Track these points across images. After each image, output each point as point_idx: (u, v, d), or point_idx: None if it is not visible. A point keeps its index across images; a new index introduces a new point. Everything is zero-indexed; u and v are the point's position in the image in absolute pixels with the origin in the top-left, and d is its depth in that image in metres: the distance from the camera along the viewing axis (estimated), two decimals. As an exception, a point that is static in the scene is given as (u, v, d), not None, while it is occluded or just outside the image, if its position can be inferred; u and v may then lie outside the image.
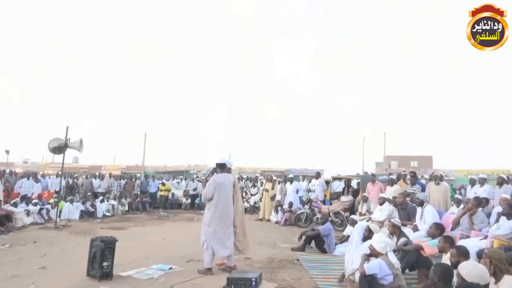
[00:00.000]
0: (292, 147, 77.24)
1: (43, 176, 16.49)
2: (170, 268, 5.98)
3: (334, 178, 15.30)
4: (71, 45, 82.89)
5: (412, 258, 5.30)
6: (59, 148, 11.30)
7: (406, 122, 78.11)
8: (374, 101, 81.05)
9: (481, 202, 6.96)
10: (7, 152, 40.57)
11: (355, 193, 12.61)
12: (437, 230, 5.56)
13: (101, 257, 5.32)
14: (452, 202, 8.74)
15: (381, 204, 8.60)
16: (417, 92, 78.65)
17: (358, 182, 13.17)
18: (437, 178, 9.37)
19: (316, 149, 73.43)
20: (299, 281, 5.46)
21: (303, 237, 8.18)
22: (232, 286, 4.56)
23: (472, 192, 8.76)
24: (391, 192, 9.45)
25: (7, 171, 17.09)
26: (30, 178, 14.21)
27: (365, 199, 10.37)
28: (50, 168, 32.82)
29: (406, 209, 7.93)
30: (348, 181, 14.06)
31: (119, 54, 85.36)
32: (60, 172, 13.88)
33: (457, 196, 8.89)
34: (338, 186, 14.33)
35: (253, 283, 4.55)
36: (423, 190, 9.33)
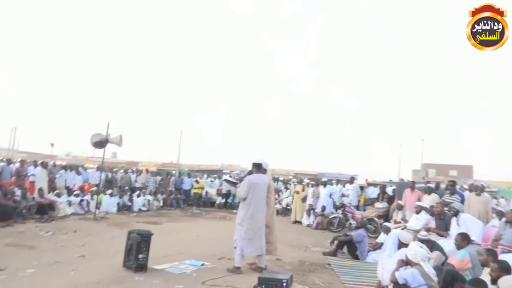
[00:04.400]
0: (326, 150, 76.46)
1: (84, 169, 17.16)
2: (202, 265, 6.08)
3: (369, 184, 15.03)
4: (114, 43, 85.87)
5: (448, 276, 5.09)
6: (100, 143, 11.74)
7: (446, 129, 75.52)
8: (412, 107, 78.83)
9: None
10: (52, 145, 42.65)
11: (390, 200, 12.33)
12: (464, 240, 5.35)
13: (137, 250, 5.49)
14: (494, 215, 8.40)
15: (417, 212, 8.38)
16: (456, 98, 75.79)
17: (394, 189, 12.88)
18: (478, 189, 9.00)
19: (351, 154, 72.06)
20: (330, 286, 5.43)
21: (335, 242, 8.10)
22: (263, 286, 4.57)
23: (515, 205, 8.38)
24: (428, 201, 9.17)
25: (51, 163, 17.95)
26: (73, 170, 14.85)
27: (400, 207, 10.12)
28: (90, 162, 34.07)
29: (444, 219, 7.68)
30: (383, 187, 13.77)
31: (156, 53, 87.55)
32: (100, 166, 14.44)
33: (499, 208, 8.52)
34: (373, 192, 14.07)
35: (284, 284, 4.54)
36: (462, 200, 9.01)
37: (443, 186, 11.21)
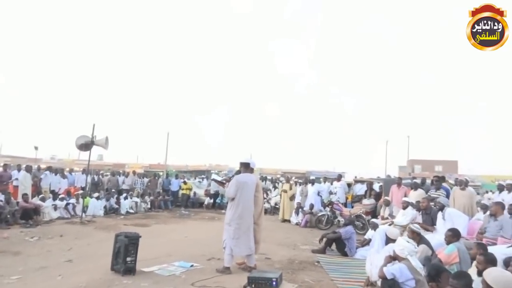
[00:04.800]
0: (313, 148, 76.64)
1: (70, 172, 16.92)
2: (192, 266, 6.06)
3: (356, 181, 15.14)
4: (97, 44, 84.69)
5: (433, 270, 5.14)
6: (86, 145, 11.59)
7: (431, 126, 76.49)
8: (397, 103, 79.67)
9: (504, 207, 6.81)
10: (36, 148, 41.94)
11: (377, 196, 12.46)
12: (454, 237, 5.42)
13: (125, 252, 5.44)
14: (478, 208, 8.56)
15: (404, 208, 8.48)
16: (440, 94, 76.92)
17: (381, 186, 13.01)
18: (462, 183, 9.15)
19: (338, 152, 72.39)
20: (319, 283, 5.45)
21: (324, 239, 8.14)
22: (253, 286, 4.59)
23: (500, 198, 8.54)
24: (414, 196, 9.30)
25: (36, 166, 17.65)
26: (58, 173, 14.63)
27: (387, 203, 10.23)
28: (76, 165, 33.62)
29: (430, 214, 7.79)
30: (370, 184, 13.89)
31: (142, 53, 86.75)
32: (86, 169, 14.26)
33: (483, 201, 8.68)
34: (360, 189, 14.18)
35: (274, 283, 4.56)
36: (448, 195, 9.15)
37: (428, 181, 11.37)
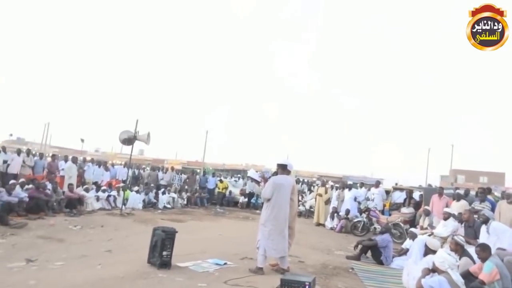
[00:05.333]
0: (351, 153, 75.47)
1: (112, 165, 17.56)
2: (225, 264, 6.11)
3: (395, 189, 14.73)
4: (142, 43, 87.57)
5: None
6: (129, 140, 11.98)
7: (476, 135, 73.20)
8: (441, 112, 76.77)
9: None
10: (82, 140, 43.91)
11: (417, 205, 12.05)
12: (484, 252, 5.16)
13: (162, 246, 5.57)
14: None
15: (445, 219, 8.16)
16: (483, 104, 73.36)
17: (421, 195, 12.59)
18: (510, 196, 8.68)
19: (377, 157, 71.02)
20: (353, 290, 5.35)
21: (359, 246, 7.98)
22: (286, 288, 4.57)
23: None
24: (457, 207, 8.92)
25: (81, 158, 18.47)
26: (101, 166, 15.25)
27: (427, 213, 9.87)
28: (118, 158, 34.94)
29: (473, 226, 7.45)
30: (410, 192, 13.47)
31: (182, 54, 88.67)
32: (127, 162, 14.76)
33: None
34: (399, 197, 13.78)
35: (307, 287, 4.52)
36: (493, 208, 8.71)
37: (473, 193, 10.88)
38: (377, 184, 14.42)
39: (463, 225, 7.68)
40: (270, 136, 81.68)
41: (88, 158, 22.50)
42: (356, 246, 8.10)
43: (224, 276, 5.37)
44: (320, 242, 9.49)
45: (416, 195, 13.17)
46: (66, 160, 13.85)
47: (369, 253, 7.89)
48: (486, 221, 7.13)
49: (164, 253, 5.57)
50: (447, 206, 9.34)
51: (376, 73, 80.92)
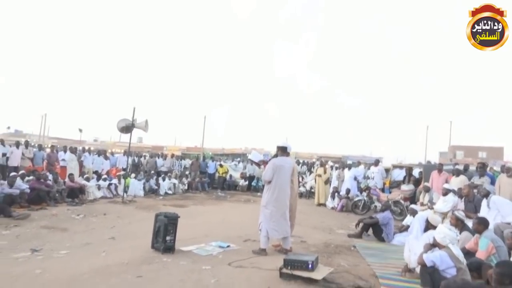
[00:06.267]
0: (350, 132, 75.42)
1: (112, 153, 17.57)
2: (228, 246, 6.17)
3: (395, 166, 14.81)
4: (140, 33, 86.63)
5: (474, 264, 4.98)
6: (127, 128, 11.95)
7: (474, 111, 73.14)
8: (440, 88, 76.52)
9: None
10: (80, 130, 43.81)
11: (417, 182, 12.12)
12: (480, 225, 5.22)
13: (165, 232, 5.61)
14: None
15: (444, 195, 8.21)
16: (483, 79, 73.04)
17: (420, 172, 12.65)
18: (509, 170, 8.72)
19: (375, 136, 71.06)
20: (355, 268, 5.41)
21: (361, 224, 8.05)
22: (289, 267, 4.61)
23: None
24: (456, 183, 8.97)
25: (80, 148, 18.46)
26: (101, 155, 15.26)
27: (427, 189, 9.93)
28: (117, 147, 34.92)
29: (473, 201, 7.51)
30: (409, 169, 13.54)
31: (176, 41, 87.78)
32: (126, 151, 14.75)
33: None
34: (399, 174, 13.84)
35: (310, 266, 4.56)
36: (492, 182, 8.76)
37: (472, 168, 10.92)
38: (377, 162, 14.46)
39: (463, 200, 7.73)
40: (270, 119, 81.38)
41: (87, 148, 22.52)
42: (357, 224, 8.17)
43: (228, 258, 5.43)
44: (321, 222, 9.57)
45: (415, 172, 13.22)
46: (65, 151, 13.84)
47: (370, 231, 7.97)
48: (486, 195, 7.19)
49: (168, 238, 5.62)
50: (446, 182, 9.38)
51: (376, 72, 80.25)
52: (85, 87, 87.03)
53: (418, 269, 4.71)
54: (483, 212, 6.83)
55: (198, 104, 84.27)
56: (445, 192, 8.22)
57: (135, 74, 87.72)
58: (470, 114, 72.48)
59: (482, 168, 9.48)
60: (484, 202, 7.08)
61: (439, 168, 10.56)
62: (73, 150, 13.74)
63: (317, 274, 4.56)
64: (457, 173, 9.66)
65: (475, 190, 7.84)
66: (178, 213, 6.16)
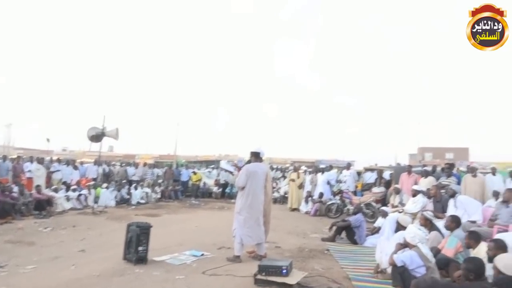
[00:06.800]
0: (322, 137, 76.45)
1: (81, 163, 17.11)
2: (202, 255, 6.12)
3: (366, 169, 15.09)
4: (110, 38, 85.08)
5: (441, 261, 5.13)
6: (97, 137, 11.70)
7: (442, 113, 75.64)
8: (408, 90, 78.79)
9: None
10: (48, 140, 42.52)
11: (387, 184, 12.40)
12: (453, 222, 5.41)
13: (137, 242, 5.51)
14: (490, 195, 8.48)
15: (414, 196, 8.44)
16: (451, 81, 75.76)
17: (391, 174, 12.94)
18: (474, 170, 9.08)
19: (347, 140, 72.33)
20: (329, 271, 5.47)
21: (334, 227, 8.16)
22: (263, 273, 4.61)
23: (511, 185, 8.47)
24: (425, 184, 9.24)
25: (48, 158, 17.89)
26: (69, 165, 14.82)
27: (398, 191, 10.17)
28: (87, 156, 33.94)
29: (441, 201, 7.75)
30: (380, 172, 13.83)
31: (150, 46, 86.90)
32: (97, 160, 14.41)
33: (495, 189, 8.61)
34: (370, 177, 14.11)
35: (284, 271, 4.58)
36: (459, 182, 9.08)
37: (440, 169, 11.28)
38: (348, 166, 14.70)
39: (431, 200, 7.97)
40: (243, 125, 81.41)
41: (55, 158, 21.83)
42: (330, 228, 8.27)
43: (202, 267, 5.39)
44: (295, 227, 9.63)
45: (386, 175, 13.52)
46: (31, 161, 13.37)
47: (343, 234, 8.07)
48: (453, 195, 7.44)
49: (140, 248, 5.52)
50: (416, 183, 9.65)
51: (371, 71, 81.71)
52: (53, 95, 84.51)
53: (389, 270, 4.82)
54: (450, 212, 7.06)
55: (171, 111, 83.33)
56: (414, 193, 8.45)
57: (105, 81, 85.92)
58: (438, 115, 74.84)
59: (449, 169, 9.82)
60: (451, 201, 7.33)
61: (408, 170, 10.86)
62: (40, 161, 13.29)
63: (292, 279, 4.59)
64: (425, 174, 9.96)
65: (442, 191, 8.10)
66: (151, 222, 6.08)
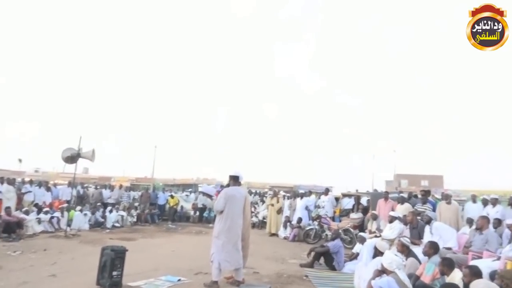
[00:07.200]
0: (300, 163, 76.85)
1: (55, 185, 16.65)
2: (179, 280, 5.99)
3: (344, 195, 15.22)
4: (85, 55, 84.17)
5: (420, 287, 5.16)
6: (72, 158, 11.43)
7: (416, 140, 77.45)
8: (384, 117, 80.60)
9: (489, 221, 6.97)
10: (20, 160, 41.28)
11: (365, 210, 12.52)
12: (431, 249, 5.48)
13: (111, 266, 5.36)
14: (464, 222, 8.67)
15: (390, 222, 8.53)
16: (425, 107, 77.95)
17: (368, 200, 13.09)
18: (448, 198, 9.29)
19: (325, 166, 72.84)
20: (308, 297, 5.43)
21: (312, 253, 8.13)
22: (241, 300, 4.55)
23: (485, 213, 8.67)
24: (401, 210, 9.38)
25: (19, 179, 17.34)
26: (42, 186, 14.40)
27: (375, 217, 10.28)
28: (60, 178, 33.05)
29: (417, 227, 7.86)
30: (358, 198, 13.97)
31: (128, 65, 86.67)
32: (71, 182, 14.05)
33: (469, 216, 8.81)
34: (348, 203, 14.24)
35: (262, 297, 4.53)
36: (434, 209, 9.25)
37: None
38: (327, 191, 14.78)
39: (408, 226, 8.07)
40: (219, 149, 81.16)
41: (27, 179, 21.17)
42: (309, 254, 8.24)
43: (178, 293, 5.25)
44: (274, 252, 9.55)
45: (363, 201, 13.67)
46: (2, 182, 12.91)
47: (322, 260, 8.05)
48: (428, 221, 7.57)
49: (114, 273, 5.37)
50: (392, 209, 9.77)
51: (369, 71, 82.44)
52: (25, 114, 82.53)
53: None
54: (426, 238, 7.16)
55: (149, 132, 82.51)
56: (391, 219, 8.55)
57: (81, 100, 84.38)
58: (413, 142, 76.57)
59: (424, 196, 10.00)
60: (427, 228, 7.44)
61: (385, 196, 11.01)
62: (11, 182, 12.85)
63: (270, 305, 4.52)
64: (402, 200, 10.12)
65: (418, 217, 8.22)
66: (126, 246, 5.93)
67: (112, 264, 5.36)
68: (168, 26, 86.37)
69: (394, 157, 41.73)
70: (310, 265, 7.88)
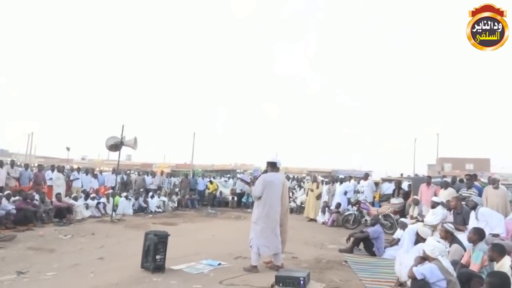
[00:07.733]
0: (339, 147, 75.80)
1: (100, 172, 17.39)
2: (219, 264, 6.11)
3: (384, 180, 14.90)
4: (128, 46, 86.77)
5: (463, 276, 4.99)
6: (115, 146, 11.88)
7: (462, 123, 74.25)
8: (427, 100, 77.73)
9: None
10: (68, 149, 43.36)
11: (406, 195, 12.21)
12: (476, 235, 5.25)
13: (155, 251, 5.54)
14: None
15: (433, 207, 8.28)
16: (472, 91, 74.47)
17: (409, 184, 12.75)
18: (495, 182, 8.87)
19: (364, 150, 71.60)
20: (347, 283, 5.39)
21: (351, 238, 8.05)
22: (281, 284, 4.59)
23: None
24: (444, 195, 9.06)
25: (68, 167, 18.25)
26: (89, 174, 15.10)
27: (416, 202, 10.00)
28: (105, 165, 34.54)
29: (462, 213, 7.58)
30: (398, 183, 13.64)
31: (169, 55, 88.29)
32: (115, 169, 14.63)
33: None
34: (388, 188, 13.93)
35: (301, 282, 4.55)
36: (480, 194, 8.87)
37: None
38: (366, 176, 14.54)
39: (451, 212, 7.80)
40: (259, 134, 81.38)
41: (75, 167, 22.23)
42: (348, 239, 8.16)
43: (219, 277, 5.37)
44: (312, 237, 9.54)
45: (404, 185, 13.33)
46: (52, 170, 13.66)
47: (361, 245, 7.96)
48: (474, 207, 7.26)
49: (158, 257, 5.55)
50: (435, 194, 9.48)
51: (373, 72, 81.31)
52: (72, 104, 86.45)
53: (409, 283, 4.72)
54: (471, 224, 6.89)
55: (188, 120, 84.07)
56: (434, 205, 8.29)
57: (123, 90, 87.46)
58: (458, 125, 73.43)
59: (469, 180, 9.61)
60: (472, 214, 7.15)
61: (428, 181, 10.68)
62: (61, 169, 13.57)
63: (309, 291, 4.54)
64: (445, 185, 9.78)
65: (463, 202, 7.92)
66: (168, 231, 6.10)
67: (155, 248, 5.54)
68: (167, 26, 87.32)
69: (437, 140, 40.03)
70: (350, 250, 7.82)
